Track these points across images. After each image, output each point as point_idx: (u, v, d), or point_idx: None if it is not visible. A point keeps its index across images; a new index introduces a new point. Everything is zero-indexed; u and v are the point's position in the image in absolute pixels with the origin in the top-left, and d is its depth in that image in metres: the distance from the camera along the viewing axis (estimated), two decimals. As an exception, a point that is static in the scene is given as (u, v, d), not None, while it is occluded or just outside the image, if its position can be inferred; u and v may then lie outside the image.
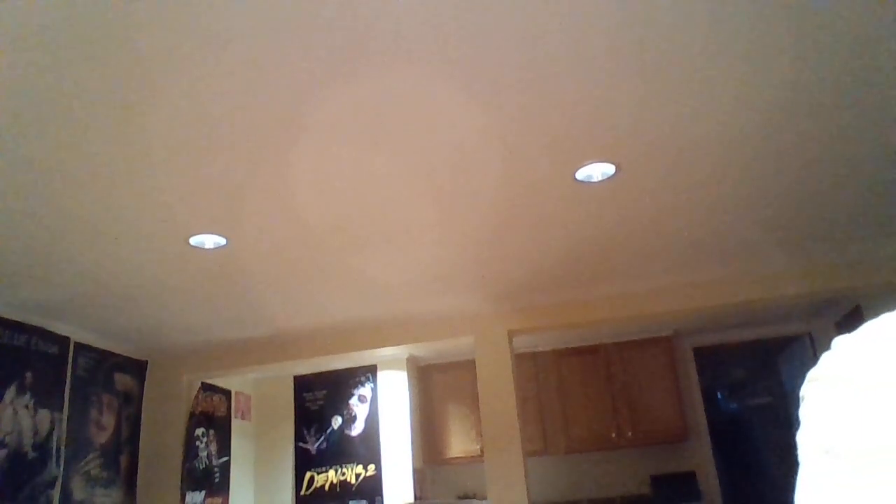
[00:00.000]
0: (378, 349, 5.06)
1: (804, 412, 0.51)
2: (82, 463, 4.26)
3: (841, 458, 0.45)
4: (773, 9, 1.91)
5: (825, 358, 0.51)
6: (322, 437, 5.86)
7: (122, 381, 4.77)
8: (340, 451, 5.77)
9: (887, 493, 0.42)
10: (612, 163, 2.76)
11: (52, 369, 4.08)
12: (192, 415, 5.10)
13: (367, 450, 5.69)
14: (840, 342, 0.51)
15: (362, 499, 5.58)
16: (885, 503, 0.42)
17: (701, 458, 5.83)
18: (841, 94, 2.39)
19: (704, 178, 2.96)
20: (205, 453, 5.25)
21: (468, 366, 5.77)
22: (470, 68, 2.07)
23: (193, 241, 3.15)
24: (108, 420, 4.57)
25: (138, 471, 4.80)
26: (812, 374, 0.51)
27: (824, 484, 0.46)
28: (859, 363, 0.48)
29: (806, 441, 0.49)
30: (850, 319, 5.43)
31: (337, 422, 5.85)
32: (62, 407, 4.13)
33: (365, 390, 5.85)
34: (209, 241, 3.17)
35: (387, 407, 5.77)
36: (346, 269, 3.72)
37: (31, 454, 3.83)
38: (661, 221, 3.43)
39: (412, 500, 5.45)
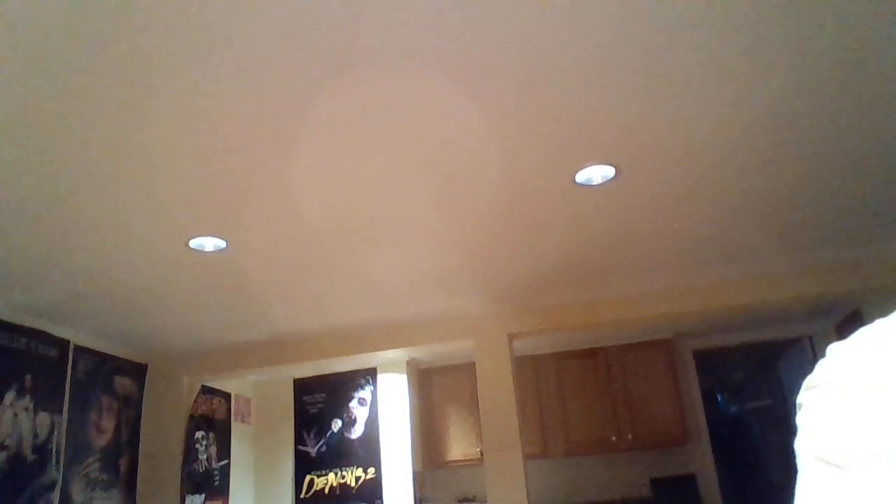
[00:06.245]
0: (378, 352, 5.05)
1: (802, 419, 0.51)
2: (82, 466, 4.25)
3: (839, 465, 0.45)
4: (772, 11, 1.91)
5: (821, 365, 0.51)
6: (322, 440, 5.85)
7: (122, 383, 4.77)
8: (340, 454, 5.77)
9: (887, 500, 0.42)
10: (612, 165, 2.76)
11: (51, 372, 4.08)
12: (191, 417, 5.10)
13: (367, 453, 5.69)
14: (835, 349, 0.51)
15: (362, 502, 5.57)
16: None
17: (701, 461, 5.83)
18: (840, 96, 2.39)
19: (704, 180, 2.96)
20: (204, 456, 5.24)
21: (468, 369, 5.77)
22: (470, 70, 2.07)
23: (193, 243, 3.15)
24: (108, 423, 4.57)
25: (138, 474, 4.80)
26: (808, 382, 0.51)
27: (823, 491, 0.46)
28: (854, 369, 0.48)
29: (804, 448, 0.49)
30: (850, 322, 5.43)
31: (337, 425, 5.85)
32: (62, 410, 4.13)
33: (365, 393, 5.85)
34: (209, 243, 3.17)
35: (387, 410, 5.77)
36: (346, 271, 3.72)
37: (31, 457, 3.83)
38: (660, 224, 3.43)
39: (412, 503, 5.44)
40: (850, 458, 0.45)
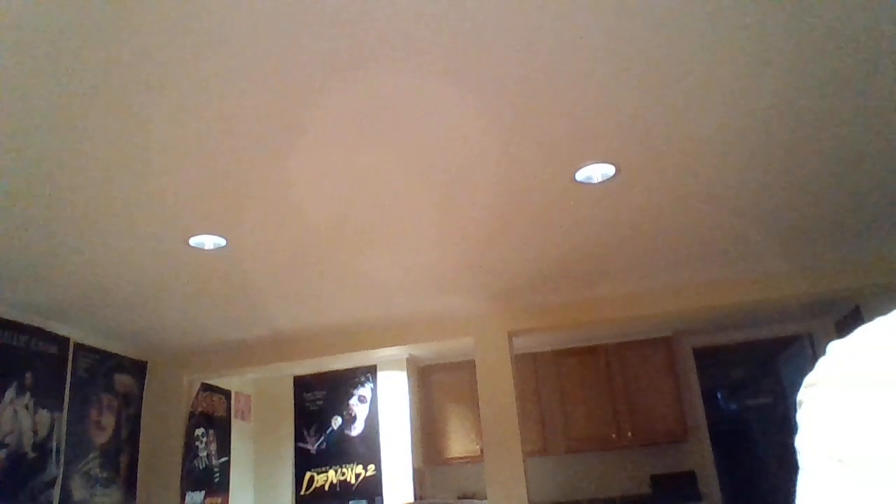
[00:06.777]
0: (378, 349, 5.06)
1: (802, 417, 0.51)
2: (82, 463, 4.26)
3: (841, 461, 0.45)
4: (772, 9, 1.91)
5: (821, 363, 0.51)
6: (322, 438, 5.86)
7: (122, 381, 4.77)
8: (340, 451, 5.77)
9: (890, 498, 0.42)
10: (612, 164, 2.76)
11: (52, 370, 4.08)
12: (191, 415, 5.10)
13: (367, 450, 5.70)
14: (835, 346, 0.51)
15: (362, 499, 5.58)
16: None
17: (701, 458, 5.84)
18: (840, 94, 2.39)
19: (704, 178, 2.96)
20: (204, 453, 5.25)
21: (468, 366, 5.77)
22: (470, 69, 2.07)
23: (193, 241, 3.15)
24: (108, 420, 4.57)
25: (138, 471, 4.81)
26: (809, 380, 0.51)
27: (825, 489, 0.46)
28: (855, 366, 0.48)
29: (805, 446, 0.49)
30: (850, 320, 5.43)
31: (337, 422, 5.85)
32: (62, 407, 4.13)
33: (365, 390, 5.85)
34: (209, 241, 3.17)
35: (387, 407, 5.77)
36: (345, 269, 3.72)
37: (31, 454, 3.83)
38: (660, 222, 3.43)
39: (412, 500, 5.45)
40: (851, 455, 0.45)
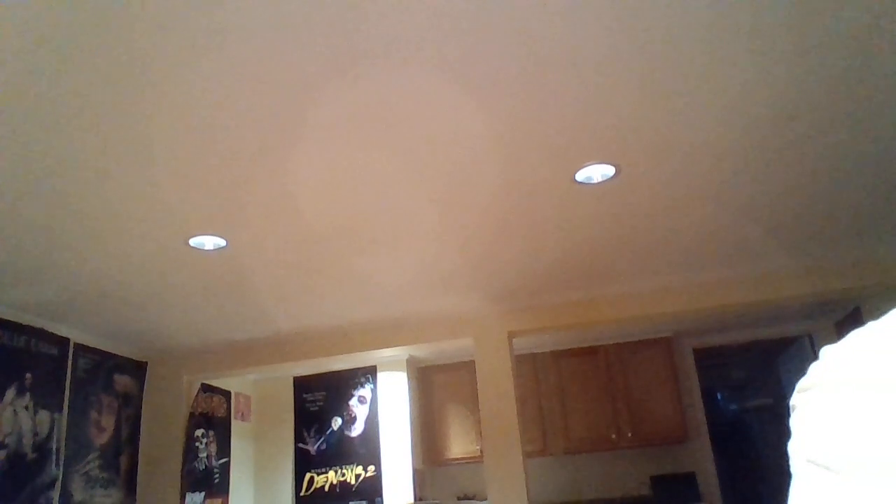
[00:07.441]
0: (378, 350, 5.06)
1: (794, 422, 0.50)
2: (82, 464, 4.26)
3: (830, 468, 0.45)
4: (773, 9, 1.91)
5: (814, 367, 0.51)
6: (322, 438, 5.86)
7: (122, 381, 4.77)
8: (340, 451, 5.77)
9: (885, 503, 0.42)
10: (612, 164, 2.76)
11: (52, 370, 4.08)
12: (191, 416, 5.10)
13: (367, 451, 5.69)
14: (828, 351, 0.51)
15: (362, 499, 5.58)
16: None
17: (701, 459, 5.83)
18: (840, 95, 2.39)
19: (704, 179, 2.96)
20: (204, 454, 5.25)
21: (468, 367, 5.77)
22: (470, 69, 2.07)
23: (193, 242, 3.15)
24: (108, 421, 4.57)
25: (138, 472, 4.80)
26: (801, 384, 0.51)
27: (815, 495, 0.46)
28: (847, 372, 0.47)
29: (796, 451, 0.49)
30: (850, 321, 5.43)
31: (337, 423, 5.85)
32: (62, 408, 4.13)
33: (365, 391, 5.85)
34: (209, 242, 3.17)
35: (387, 408, 5.77)
36: (345, 270, 3.72)
37: (31, 455, 3.83)
38: (660, 222, 3.43)
39: (412, 500, 5.45)
40: (841, 461, 0.44)
